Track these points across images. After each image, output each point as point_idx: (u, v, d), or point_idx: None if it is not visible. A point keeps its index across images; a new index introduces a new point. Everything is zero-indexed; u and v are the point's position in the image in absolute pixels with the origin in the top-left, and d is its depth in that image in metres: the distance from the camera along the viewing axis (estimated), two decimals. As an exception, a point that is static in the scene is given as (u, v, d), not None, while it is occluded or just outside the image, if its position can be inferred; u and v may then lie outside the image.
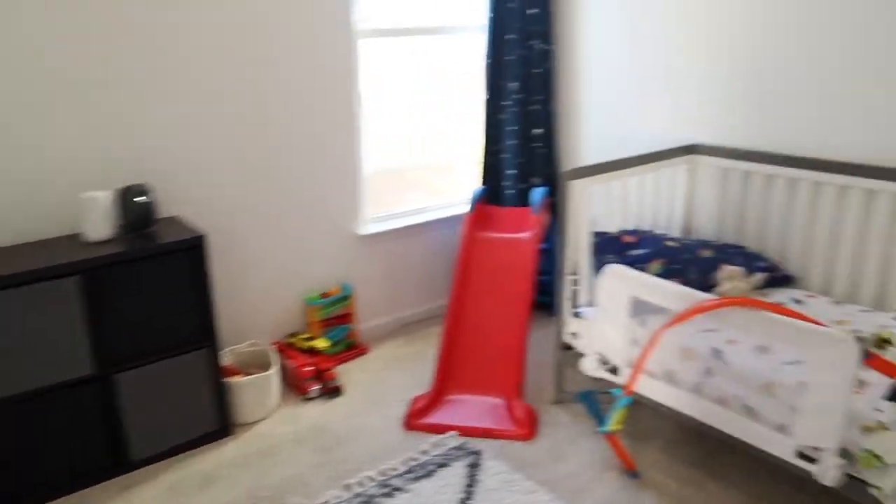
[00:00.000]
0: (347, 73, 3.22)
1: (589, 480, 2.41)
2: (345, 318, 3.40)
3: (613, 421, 2.35)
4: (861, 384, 2.02)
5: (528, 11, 3.52)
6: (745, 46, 2.92)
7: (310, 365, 3.03)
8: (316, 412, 2.91)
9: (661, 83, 3.27)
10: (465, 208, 3.66)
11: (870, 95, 2.59)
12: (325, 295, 3.31)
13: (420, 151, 3.83)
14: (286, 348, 3.17)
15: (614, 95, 3.49)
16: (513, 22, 3.50)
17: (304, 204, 3.22)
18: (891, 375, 1.86)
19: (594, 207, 3.23)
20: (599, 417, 2.52)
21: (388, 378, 3.19)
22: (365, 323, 3.58)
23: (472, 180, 3.96)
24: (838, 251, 2.76)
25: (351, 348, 3.41)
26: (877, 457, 1.80)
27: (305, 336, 3.22)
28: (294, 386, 3.06)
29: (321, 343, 3.17)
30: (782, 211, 2.91)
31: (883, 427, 1.82)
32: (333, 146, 3.25)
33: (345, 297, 3.37)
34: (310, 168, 3.20)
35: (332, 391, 3.03)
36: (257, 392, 2.83)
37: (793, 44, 2.77)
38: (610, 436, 2.40)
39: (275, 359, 2.96)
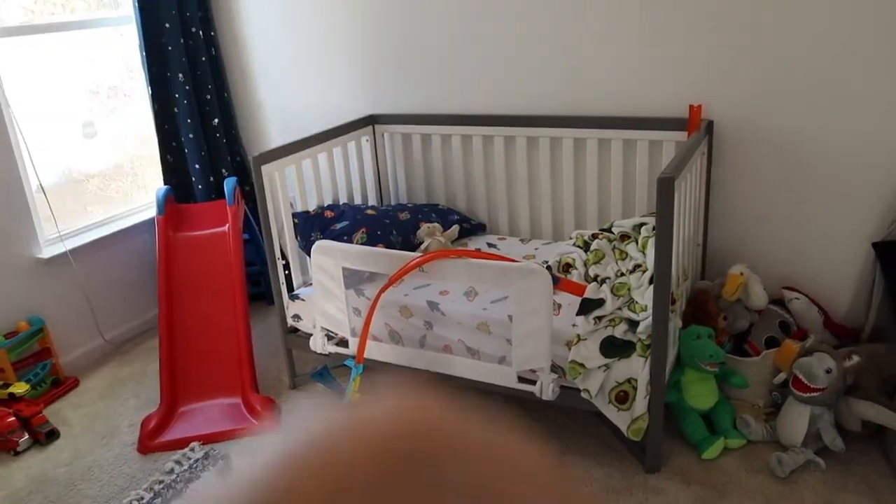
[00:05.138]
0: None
1: (341, 452, 2.49)
2: (42, 355, 3.07)
3: (352, 391, 2.45)
4: (557, 307, 2.34)
5: (180, -4, 3.37)
6: (394, 20, 3.12)
7: (10, 415, 2.71)
8: (32, 464, 2.61)
9: (324, 58, 3.36)
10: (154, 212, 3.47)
11: (521, 60, 2.93)
12: (10, 334, 2.94)
13: (96, 158, 3.51)
14: (-23, 405, 2.79)
15: (285, 74, 3.51)
16: (167, 9, 3.32)
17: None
18: (578, 294, 2.20)
19: (289, 189, 3.26)
20: (339, 391, 2.61)
21: (111, 406, 2.96)
22: (69, 354, 3.24)
23: (156, 181, 3.74)
24: (516, 195, 3.12)
25: (57, 385, 3.09)
26: (580, 365, 2.12)
27: (-2, 384, 2.86)
28: (-2, 444, 2.72)
29: (19, 388, 2.85)
30: (462, 166, 3.20)
31: (580, 339, 2.15)
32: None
33: (36, 332, 3.04)
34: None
35: (46, 436, 2.74)
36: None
37: (447, 17, 3.03)
38: (351, 405, 2.50)
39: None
